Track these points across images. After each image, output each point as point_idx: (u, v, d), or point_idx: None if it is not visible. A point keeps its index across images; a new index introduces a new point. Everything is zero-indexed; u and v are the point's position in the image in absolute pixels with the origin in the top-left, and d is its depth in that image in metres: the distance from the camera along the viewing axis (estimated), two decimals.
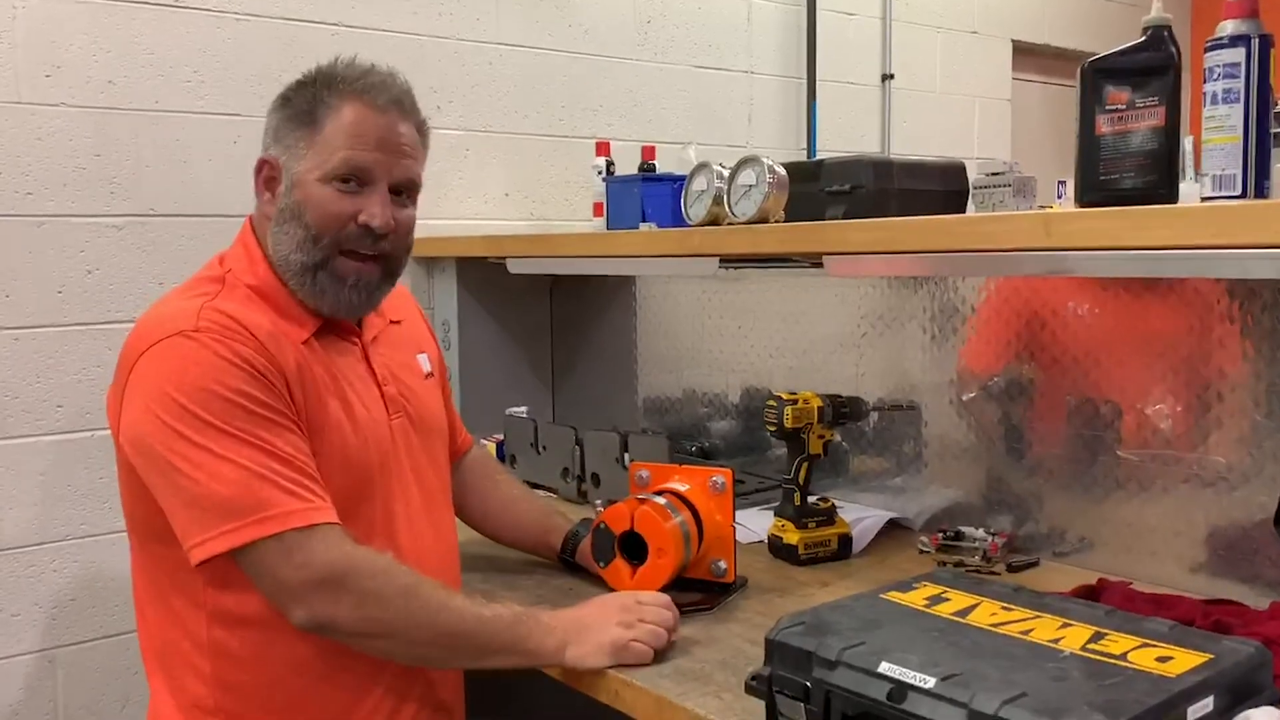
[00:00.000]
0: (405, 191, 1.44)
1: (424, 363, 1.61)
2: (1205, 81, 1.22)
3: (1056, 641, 1.08)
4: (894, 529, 1.90)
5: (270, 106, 1.45)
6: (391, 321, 1.58)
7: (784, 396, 1.78)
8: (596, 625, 1.35)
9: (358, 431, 1.41)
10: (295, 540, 1.25)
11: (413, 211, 1.47)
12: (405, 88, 1.44)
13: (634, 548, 1.49)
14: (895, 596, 1.23)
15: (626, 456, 2.05)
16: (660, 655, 1.35)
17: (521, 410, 2.44)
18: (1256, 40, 1.19)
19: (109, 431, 1.37)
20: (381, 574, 1.29)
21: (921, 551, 1.79)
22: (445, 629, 1.31)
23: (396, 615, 1.28)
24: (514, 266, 2.39)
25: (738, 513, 1.65)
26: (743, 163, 1.76)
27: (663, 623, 1.37)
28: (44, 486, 2.20)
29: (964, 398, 1.88)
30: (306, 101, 1.40)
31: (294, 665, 1.35)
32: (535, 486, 2.24)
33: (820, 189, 1.91)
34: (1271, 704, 1.00)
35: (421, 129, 1.47)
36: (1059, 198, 2.75)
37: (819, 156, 3.26)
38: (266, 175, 1.43)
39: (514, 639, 1.32)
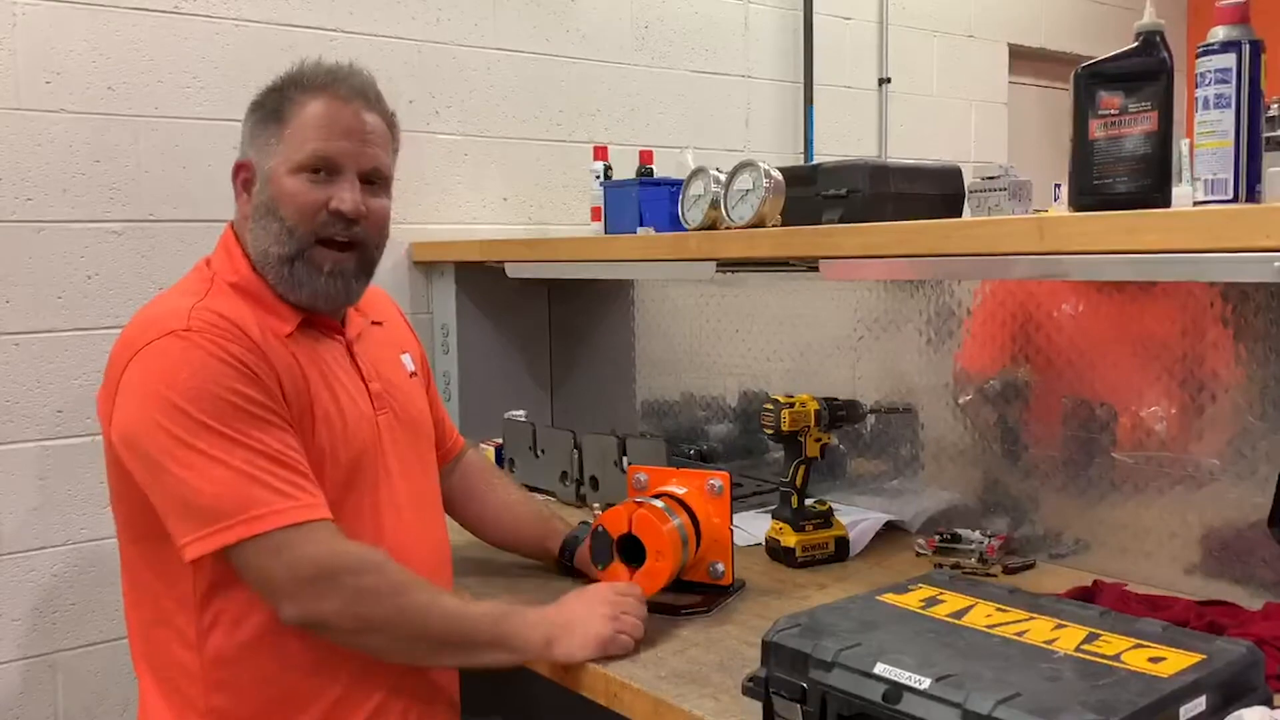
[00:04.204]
0: (376, 181, 1.46)
1: (407, 362, 1.63)
2: (1197, 86, 1.23)
3: (1051, 642, 1.08)
4: (891, 531, 1.91)
5: (245, 114, 1.49)
6: (373, 323, 1.60)
7: (781, 399, 1.79)
8: (582, 620, 1.37)
9: (344, 425, 1.42)
10: (284, 538, 1.26)
11: (385, 202, 1.49)
12: (368, 80, 1.47)
13: (632, 551, 1.49)
14: (891, 598, 1.24)
15: (625, 460, 2.06)
16: (644, 641, 1.40)
17: (520, 414, 2.44)
18: (1247, 45, 1.20)
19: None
20: (372, 571, 1.30)
21: (918, 554, 1.80)
22: (433, 626, 1.32)
23: (385, 613, 1.30)
24: (512, 271, 2.40)
25: (735, 515, 1.66)
26: (740, 167, 1.77)
27: (639, 614, 1.40)
28: (44, 491, 2.20)
29: (960, 400, 1.89)
30: (274, 101, 1.44)
31: (285, 662, 1.35)
32: (534, 490, 2.25)
33: (817, 193, 1.92)
34: (1263, 703, 1.01)
35: (389, 120, 1.49)
36: (1056, 200, 2.76)
37: (815, 161, 3.28)
38: (243, 178, 1.46)
39: (500, 635, 1.34)
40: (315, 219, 1.40)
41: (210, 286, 1.41)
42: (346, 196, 1.40)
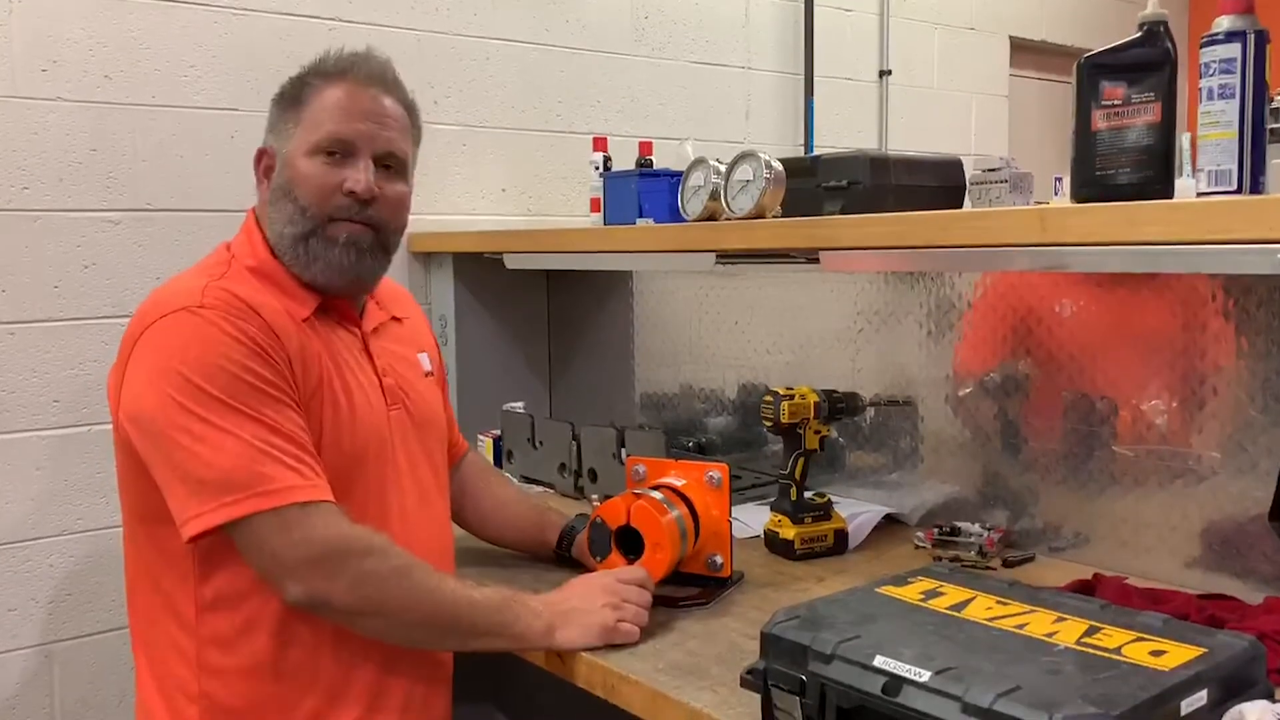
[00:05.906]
0: (392, 165, 1.47)
1: (424, 361, 1.63)
2: (1201, 77, 1.22)
3: (1051, 636, 1.08)
4: (890, 524, 1.90)
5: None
6: (394, 318, 1.61)
7: (781, 392, 1.79)
8: (583, 608, 1.37)
9: (353, 414, 1.42)
10: (294, 516, 1.26)
11: (402, 187, 1.50)
12: (387, 64, 1.49)
13: (630, 543, 1.49)
14: (890, 591, 1.23)
15: (623, 451, 2.06)
16: (643, 633, 1.39)
17: (519, 405, 2.44)
18: (1252, 36, 1.19)
19: (106, 426, 1.37)
20: (378, 553, 1.30)
21: (917, 546, 1.80)
22: (436, 610, 1.33)
23: (389, 595, 1.30)
24: (511, 262, 2.39)
25: (734, 508, 1.65)
26: (740, 158, 1.76)
27: (643, 602, 1.41)
28: (40, 481, 2.20)
29: (960, 393, 1.89)
30: (295, 89, 1.47)
31: (281, 644, 1.35)
32: (532, 481, 2.25)
33: (817, 184, 1.91)
34: (1265, 698, 1.00)
35: (409, 106, 1.51)
36: (1056, 195, 2.75)
37: (816, 152, 3.27)
38: (265, 165, 1.48)
39: (502, 622, 1.34)
40: (330, 200, 1.41)
41: (228, 269, 1.41)
42: (360, 177, 1.41)
